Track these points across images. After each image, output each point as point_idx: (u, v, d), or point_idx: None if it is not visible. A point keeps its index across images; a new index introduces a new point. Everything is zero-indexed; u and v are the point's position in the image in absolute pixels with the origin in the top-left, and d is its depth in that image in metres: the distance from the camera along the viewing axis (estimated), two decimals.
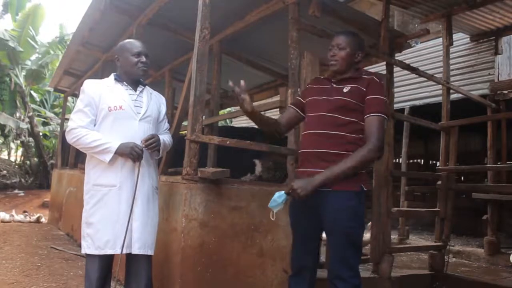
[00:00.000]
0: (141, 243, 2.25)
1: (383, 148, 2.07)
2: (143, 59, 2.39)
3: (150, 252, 2.31)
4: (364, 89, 2.11)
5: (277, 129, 2.34)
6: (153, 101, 2.46)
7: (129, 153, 2.22)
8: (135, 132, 2.31)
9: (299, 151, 2.22)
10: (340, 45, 2.19)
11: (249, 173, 4.86)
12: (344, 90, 2.14)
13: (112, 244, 2.21)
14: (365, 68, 2.31)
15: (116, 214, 2.23)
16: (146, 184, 2.34)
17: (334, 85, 2.21)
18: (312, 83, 2.38)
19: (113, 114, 2.28)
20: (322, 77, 2.39)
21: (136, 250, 2.23)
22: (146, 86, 2.50)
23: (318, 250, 2.25)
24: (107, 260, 2.29)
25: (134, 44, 2.43)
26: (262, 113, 2.40)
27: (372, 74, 2.18)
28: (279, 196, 2.08)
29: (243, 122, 11.24)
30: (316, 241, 2.21)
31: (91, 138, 2.23)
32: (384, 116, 2.10)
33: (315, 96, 2.26)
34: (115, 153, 2.22)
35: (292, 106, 2.37)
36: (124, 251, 2.22)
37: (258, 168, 4.89)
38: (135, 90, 2.41)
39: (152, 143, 2.29)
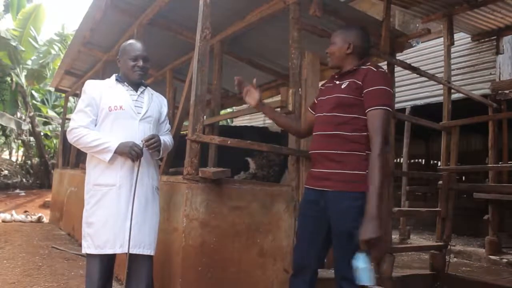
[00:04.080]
0: (136, 243, 2.24)
1: (387, 142, 2.04)
2: (140, 63, 2.38)
3: (147, 251, 2.29)
4: (360, 82, 2.06)
5: (292, 124, 2.53)
6: (154, 102, 2.47)
7: (128, 152, 2.22)
8: (135, 132, 2.31)
9: (309, 152, 2.25)
10: (331, 40, 2.23)
11: (242, 172, 4.86)
12: (342, 86, 2.13)
13: (112, 243, 2.21)
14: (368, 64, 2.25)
15: (115, 214, 2.23)
16: (145, 184, 2.33)
17: (337, 82, 2.20)
18: (323, 84, 2.39)
19: (113, 114, 2.29)
20: (331, 76, 2.35)
21: (131, 249, 2.22)
22: (148, 87, 2.50)
23: (322, 253, 2.23)
24: (108, 260, 2.30)
25: (133, 47, 2.43)
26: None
27: (371, 64, 2.12)
28: (361, 261, 1.84)
29: (244, 121, 11.25)
30: (321, 242, 2.17)
31: (91, 138, 2.24)
32: (386, 107, 2.00)
33: (321, 96, 2.29)
34: (115, 152, 2.23)
35: (309, 109, 2.40)
36: (120, 251, 2.22)
37: (252, 166, 4.90)
38: (136, 91, 2.42)
39: (153, 143, 2.29)
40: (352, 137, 2.05)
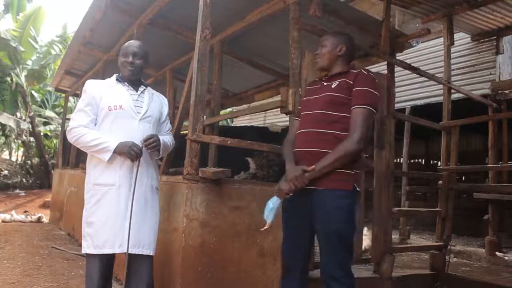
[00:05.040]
0: (136, 242, 2.23)
1: (365, 140, 2.06)
2: (129, 59, 2.37)
3: (146, 251, 2.28)
4: (351, 82, 2.12)
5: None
6: (154, 102, 2.46)
7: (128, 152, 2.21)
8: (135, 132, 2.30)
9: (294, 150, 2.23)
10: (322, 42, 2.29)
11: (242, 171, 4.85)
12: (332, 86, 2.17)
13: (111, 243, 2.21)
14: (366, 68, 2.32)
15: (115, 213, 2.23)
16: (144, 183, 2.33)
17: (325, 83, 2.24)
18: (307, 86, 2.44)
19: (113, 114, 2.29)
20: (317, 79, 2.42)
21: (130, 249, 2.22)
22: (148, 87, 2.50)
23: (310, 251, 2.25)
24: (107, 260, 2.30)
25: (127, 44, 2.45)
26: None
27: (362, 69, 2.20)
28: (270, 201, 2.12)
29: (244, 121, 11.26)
30: (307, 241, 2.20)
31: (91, 137, 2.24)
32: (370, 108, 2.08)
33: (308, 96, 2.31)
34: (114, 152, 2.22)
35: (296, 118, 2.40)
36: (119, 251, 2.22)
37: (252, 165, 4.89)
38: (137, 91, 2.42)
39: (152, 142, 2.28)
40: (341, 136, 2.07)
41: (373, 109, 2.10)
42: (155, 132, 2.40)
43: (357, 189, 2.10)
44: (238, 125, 10.69)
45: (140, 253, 2.26)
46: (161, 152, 2.41)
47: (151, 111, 2.41)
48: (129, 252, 2.22)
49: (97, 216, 2.26)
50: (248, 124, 10.11)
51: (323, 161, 2.03)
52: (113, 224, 2.22)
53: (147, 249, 2.29)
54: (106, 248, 2.21)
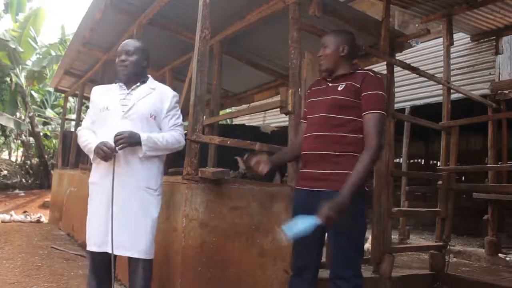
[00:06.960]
0: (116, 244, 2.17)
1: (383, 145, 2.09)
2: (122, 57, 2.35)
3: (128, 253, 2.22)
4: (359, 85, 2.10)
5: (297, 154, 2.35)
6: (148, 97, 2.34)
7: (97, 152, 2.19)
8: (116, 130, 2.20)
9: (301, 153, 2.23)
10: (324, 43, 2.26)
11: (231, 171, 4.78)
12: (339, 88, 2.15)
13: (87, 240, 2.28)
14: (365, 68, 2.31)
15: (95, 212, 2.30)
16: (126, 183, 2.23)
17: (330, 84, 2.22)
18: (311, 86, 2.41)
19: (102, 115, 2.35)
20: (320, 78, 2.39)
21: (109, 250, 2.18)
22: (148, 82, 2.41)
23: (320, 251, 2.25)
24: (98, 257, 2.26)
25: (121, 44, 2.44)
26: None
27: (368, 69, 2.18)
28: (306, 221, 1.92)
29: (244, 121, 11.25)
30: (318, 242, 2.19)
31: (83, 138, 2.35)
32: (382, 112, 2.08)
33: (313, 97, 2.29)
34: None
35: (303, 121, 2.38)
36: (95, 249, 2.24)
37: (241, 165, 4.81)
38: (129, 88, 2.37)
39: (118, 139, 2.15)
40: (348, 139, 2.08)
41: (384, 113, 2.11)
42: (146, 128, 2.29)
43: (366, 189, 2.11)
44: (231, 123, 10.66)
45: (120, 254, 2.22)
46: (144, 149, 2.22)
47: (138, 107, 2.30)
48: (114, 252, 2.18)
49: (88, 214, 2.35)
50: (246, 123, 10.08)
51: (355, 176, 1.96)
52: (91, 222, 2.29)
53: (129, 251, 2.21)
54: (88, 246, 2.29)
